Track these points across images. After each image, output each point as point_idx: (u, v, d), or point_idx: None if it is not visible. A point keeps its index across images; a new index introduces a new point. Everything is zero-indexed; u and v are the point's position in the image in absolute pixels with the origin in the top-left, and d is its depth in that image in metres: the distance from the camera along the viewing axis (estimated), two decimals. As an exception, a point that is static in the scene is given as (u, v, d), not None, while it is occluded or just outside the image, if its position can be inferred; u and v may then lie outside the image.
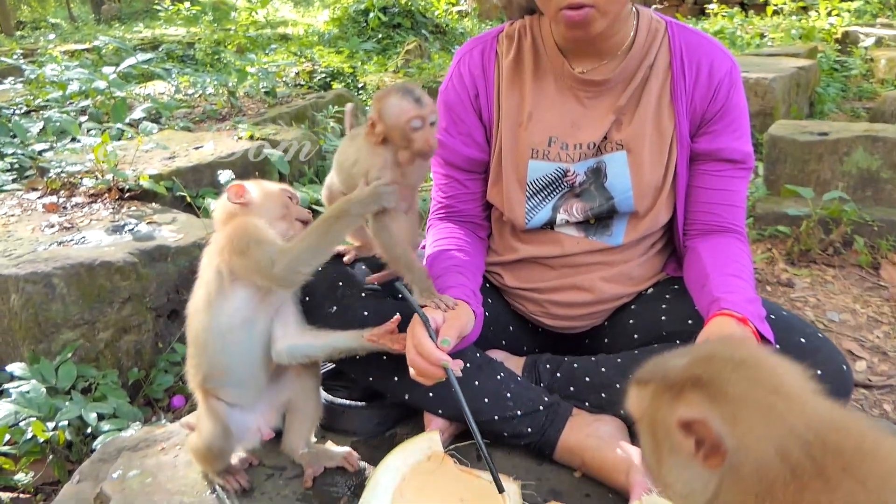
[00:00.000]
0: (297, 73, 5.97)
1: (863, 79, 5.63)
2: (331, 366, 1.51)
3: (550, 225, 1.42)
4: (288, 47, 7.92)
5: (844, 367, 1.22)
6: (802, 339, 1.22)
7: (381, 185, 1.19)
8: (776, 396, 0.67)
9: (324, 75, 5.93)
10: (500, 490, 1.03)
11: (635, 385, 0.77)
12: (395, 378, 1.31)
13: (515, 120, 1.39)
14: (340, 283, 1.35)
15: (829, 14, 7.56)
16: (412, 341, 1.16)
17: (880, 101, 4.69)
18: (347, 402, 1.43)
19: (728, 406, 0.67)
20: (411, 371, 1.19)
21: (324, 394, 1.43)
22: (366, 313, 1.31)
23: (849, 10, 7.89)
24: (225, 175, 2.74)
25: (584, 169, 1.38)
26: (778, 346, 1.19)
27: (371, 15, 8.44)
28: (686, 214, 1.43)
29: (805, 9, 8.16)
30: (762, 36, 7.11)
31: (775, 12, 8.11)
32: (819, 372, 1.14)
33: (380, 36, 8.28)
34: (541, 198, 1.40)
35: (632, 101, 1.36)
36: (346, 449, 1.34)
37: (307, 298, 1.32)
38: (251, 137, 3.31)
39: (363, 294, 1.34)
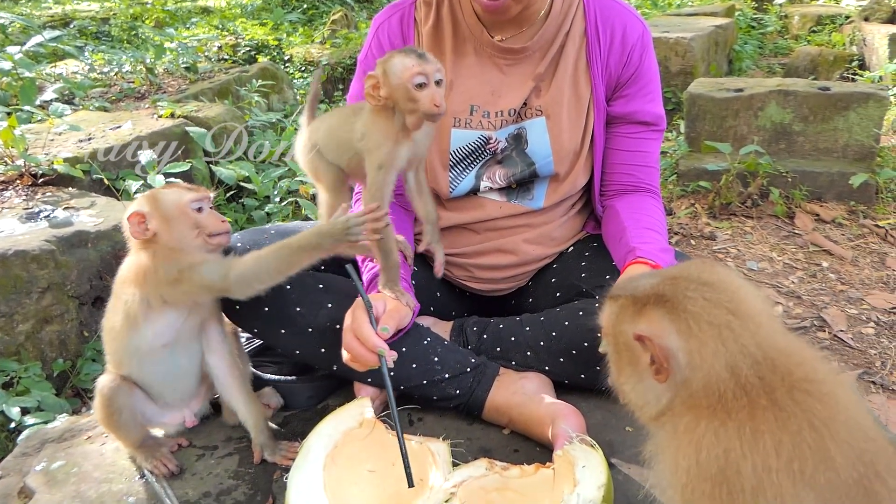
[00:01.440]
0: (220, 48, 5.77)
1: (778, 35, 5.82)
2: (257, 342, 1.50)
3: (474, 192, 1.44)
4: (210, 20, 7.63)
5: None
6: None
7: (353, 219, 1.15)
8: (732, 316, 0.70)
9: (248, 49, 5.75)
10: (410, 485, 1.03)
11: (607, 300, 0.81)
12: (322, 350, 1.31)
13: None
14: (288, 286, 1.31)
15: (746, -28, 7.76)
16: (352, 325, 1.17)
17: (794, 57, 4.87)
18: (277, 377, 1.42)
19: (685, 322, 0.70)
20: (345, 355, 1.19)
21: (253, 370, 1.42)
22: (288, 287, 1.30)
23: (764, -32, 8.12)
24: (145, 155, 2.65)
25: (505, 136, 1.40)
26: None
27: (295, -16, 8.19)
28: (603, 176, 1.47)
29: (724, -32, 8.33)
30: (683, -4, 7.25)
31: (696, -28, 8.26)
32: None
33: (305, 6, 8.06)
34: (464, 166, 1.41)
35: (550, 67, 1.38)
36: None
37: (265, 309, 1.31)
38: (172, 115, 3.20)
39: (321, 285, 1.33)
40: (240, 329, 1.39)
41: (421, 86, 1.10)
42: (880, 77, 4.25)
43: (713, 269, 0.75)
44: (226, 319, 1.34)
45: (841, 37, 5.15)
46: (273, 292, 1.28)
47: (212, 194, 1.30)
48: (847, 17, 5.52)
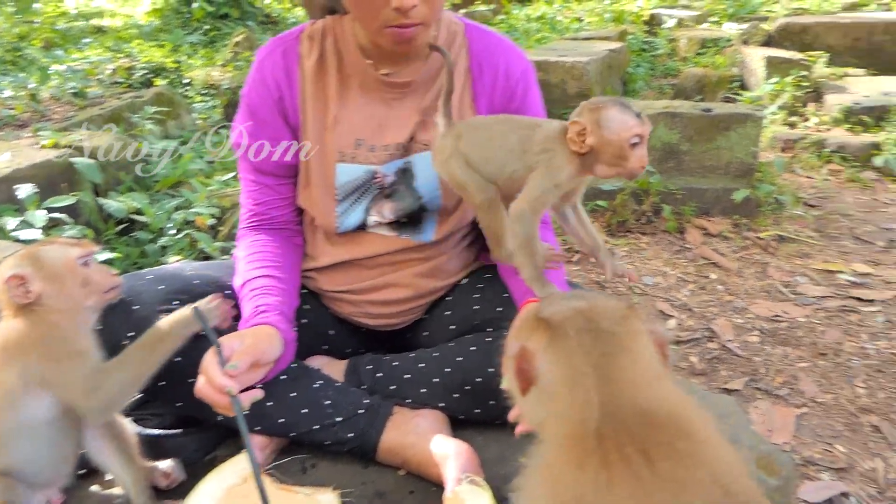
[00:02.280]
0: (114, 70, 5.53)
1: (668, 57, 6.13)
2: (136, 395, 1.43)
3: (362, 227, 1.43)
4: (103, 41, 7.31)
5: None
6: None
7: (204, 307, 1.13)
8: (592, 369, 0.70)
9: (144, 71, 5.54)
10: None
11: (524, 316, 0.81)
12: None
13: (321, 123, 1.37)
14: (135, 306, 1.26)
15: (637, -3, 8.17)
16: (201, 367, 1.13)
17: (682, 78, 5.14)
18: (159, 431, 1.35)
19: (554, 355, 0.72)
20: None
21: (135, 426, 1.34)
22: None
23: (654, -7, 8.56)
24: (24, 189, 2.49)
25: (392, 170, 1.39)
26: None
27: (195, 5, 7.98)
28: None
29: (617, -8, 8.75)
30: (580, 20, 7.54)
31: (590, -4, 8.64)
32: None
33: (206, 27, 7.86)
34: (351, 201, 1.40)
35: (435, 101, 1.38)
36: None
37: (99, 327, 1.23)
38: (55, 145, 3.03)
39: (162, 314, 1.26)
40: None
41: (635, 145, 1.08)
42: (759, 97, 4.54)
43: (623, 318, 0.74)
44: None
45: (724, 59, 5.49)
46: None
47: (96, 247, 1.23)
48: (728, 41, 5.89)
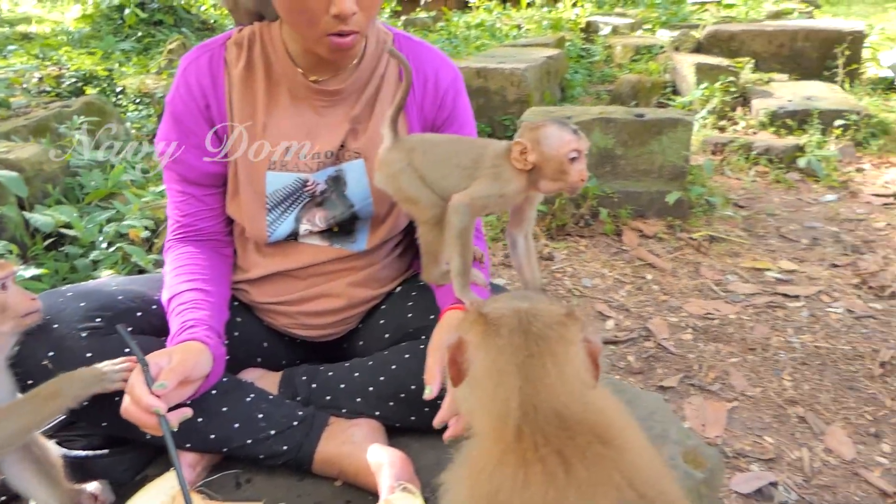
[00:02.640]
0: (41, 79, 5.32)
1: (604, 64, 6.28)
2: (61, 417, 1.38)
3: (294, 236, 1.41)
4: (29, 49, 7.03)
5: None
6: None
7: (109, 369, 1.11)
8: (515, 369, 0.72)
9: (74, 80, 5.35)
10: None
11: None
12: (132, 420, 1.23)
13: (250, 130, 1.35)
14: (55, 325, 1.21)
15: (574, 5, 8.34)
16: (127, 387, 1.10)
17: (618, 84, 5.27)
18: (86, 452, 1.31)
19: (485, 350, 0.74)
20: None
21: (60, 448, 1.29)
22: (89, 355, 1.20)
23: (590, 2, 8.77)
24: (-59, 205, 2.38)
25: (323, 178, 1.38)
26: None
27: (127, 11, 7.75)
28: None
29: (555, 1, 8.92)
30: (519, 27, 7.65)
31: (529, 4, 8.77)
32: None
33: (139, 34, 7.64)
34: (282, 209, 1.38)
35: (366, 110, 1.38)
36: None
37: (17, 347, 1.18)
38: (-23, 158, 2.90)
39: (84, 333, 1.22)
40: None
41: (573, 160, 1.11)
42: (690, 102, 4.70)
43: (558, 323, 0.76)
44: None
45: (657, 65, 5.65)
46: (71, 359, 1.18)
47: (15, 268, 1.17)
48: (661, 48, 6.07)
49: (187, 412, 1.12)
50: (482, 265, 1.35)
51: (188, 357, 1.16)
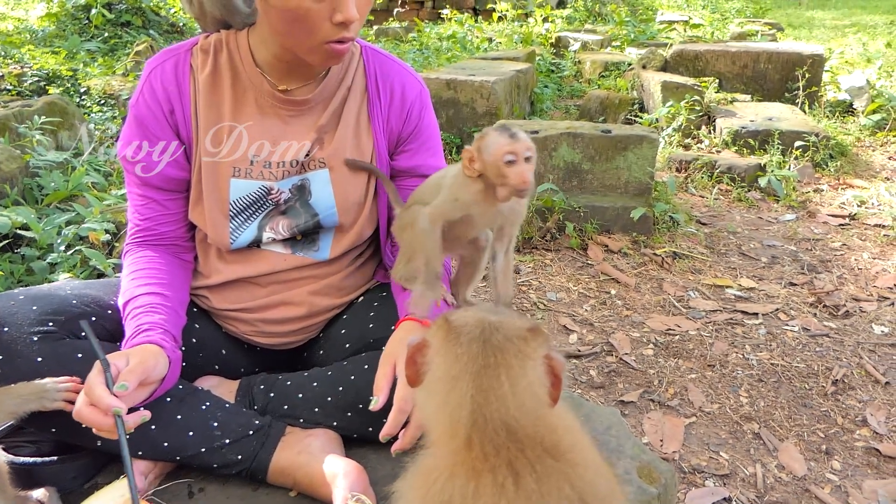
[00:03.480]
0: (2, 77, 5.20)
1: (573, 79, 6.37)
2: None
3: (256, 244, 1.40)
4: (-10, 46, 6.86)
5: None
6: None
7: (51, 387, 1.09)
8: (470, 377, 0.72)
9: (36, 79, 5.25)
10: None
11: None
12: (83, 425, 1.19)
13: (215, 136, 1.34)
14: (5, 328, 1.18)
15: (544, 21, 8.45)
16: (84, 387, 1.07)
17: (586, 99, 5.35)
18: (34, 459, 1.27)
19: (443, 355, 0.74)
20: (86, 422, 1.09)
21: (6, 454, 1.25)
22: (40, 360, 1.17)
23: (561, 17, 8.89)
24: None
25: (288, 186, 1.38)
26: None
27: (94, 11, 7.62)
28: (390, 227, 1.49)
29: (526, 15, 9.02)
30: (490, 40, 7.72)
31: (500, 18, 8.86)
32: None
33: (105, 35, 7.52)
34: (245, 217, 1.37)
35: (332, 120, 1.38)
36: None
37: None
38: (-70, 156, 2.82)
39: (35, 337, 1.19)
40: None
41: (510, 163, 1.10)
42: (656, 119, 4.78)
43: (518, 337, 0.75)
44: None
45: (624, 82, 5.75)
46: (21, 364, 1.15)
47: None
48: (629, 65, 6.18)
49: (146, 414, 1.10)
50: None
51: (146, 359, 1.14)
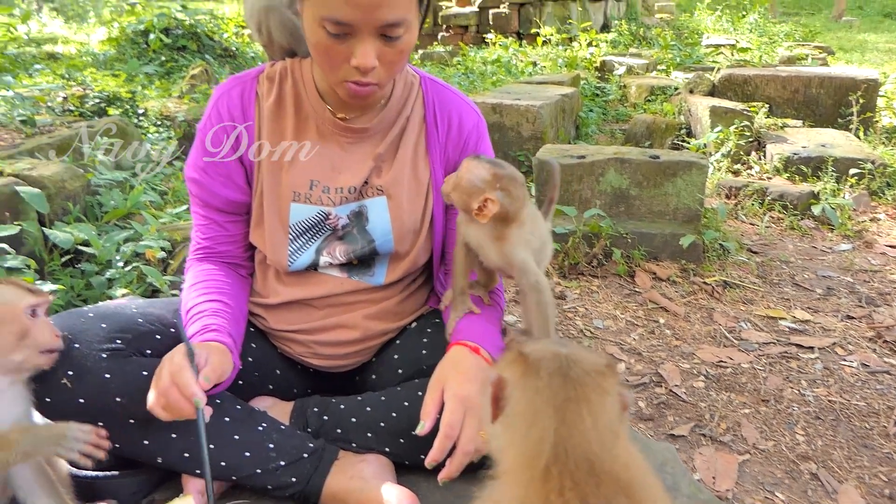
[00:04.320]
0: (66, 98, 5.42)
1: (619, 103, 6.34)
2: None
3: (314, 267, 1.43)
4: (56, 69, 7.17)
5: None
6: None
7: (72, 434, 1.12)
8: (553, 412, 0.72)
9: (98, 100, 5.45)
10: None
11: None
12: (145, 442, 1.23)
13: (277, 163, 1.38)
14: (76, 344, 1.22)
15: (589, 45, 8.45)
16: (171, 368, 1.11)
17: (632, 123, 5.31)
18: (96, 473, 1.30)
19: (523, 389, 0.75)
20: (151, 399, 1.12)
21: (69, 467, 1.29)
22: (107, 376, 1.21)
23: (605, 41, 8.88)
24: (-37, 219, 2.41)
25: (346, 212, 1.41)
26: None
27: (152, 36, 7.91)
28: (444, 256, 1.51)
29: (570, 39, 9.04)
30: (535, 64, 7.75)
31: (545, 42, 8.89)
32: None
33: (163, 59, 7.79)
34: (304, 240, 1.40)
35: (390, 149, 1.41)
36: None
37: (80, 401, 1.20)
38: (0, 173, 2.94)
39: (104, 354, 1.23)
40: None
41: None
42: (704, 144, 4.72)
43: (597, 372, 0.76)
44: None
45: (671, 106, 5.70)
46: (90, 380, 1.19)
47: (50, 298, 1.15)
48: (676, 89, 6.12)
49: (211, 410, 1.14)
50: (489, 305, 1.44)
51: (222, 359, 1.18)
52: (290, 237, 1.39)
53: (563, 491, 0.67)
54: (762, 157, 4.66)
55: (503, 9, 10.02)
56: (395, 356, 1.47)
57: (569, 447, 0.70)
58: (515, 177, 1.24)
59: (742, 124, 4.70)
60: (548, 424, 0.72)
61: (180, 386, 1.10)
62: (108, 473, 1.31)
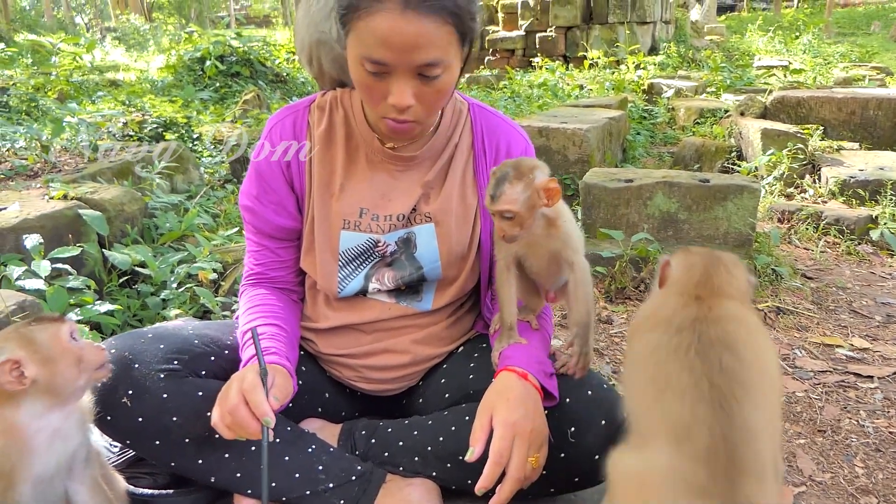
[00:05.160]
0: (125, 124, 5.65)
1: (667, 126, 6.28)
2: (130, 452, 1.42)
3: (363, 293, 1.45)
4: (116, 95, 7.50)
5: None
6: (590, 392, 1.33)
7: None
8: (701, 266, 1.05)
9: (155, 125, 5.67)
10: None
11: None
12: (199, 461, 1.26)
13: (327, 191, 1.41)
14: (136, 364, 1.27)
15: (636, 67, 8.41)
16: (242, 386, 1.15)
17: (681, 146, 5.25)
18: (151, 491, 1.34)
19: (681, 259, 1.09)
20: (216, 416, 1.15)
21: (126, 485, 1.33)
22: (165, 396, 1.25)
23: (653, 64, 8.82)
24: (32, 240, 2.53)
25: (394, 239, 1.43)
26: (567, 399, 1.30)
27: (208, 63, 8.21)
28: (491, 279, 1.52)
29: (618, 62, 9.01)
30: (581, 87, 7.75)
31: (591, 65, 8.88)
32: (603, 421, 1.25)
33: (217, 85, 8.07)
34: (353, 267, 1.43)
35: (439, 176, 1.43)
36: None
37: (98, 384, 1.24)
38: (65, 197, 3.08)
39: (162, 374, 1.27)
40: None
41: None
42: (756, 167, 4.63)
43: (734, 262, 1.07)
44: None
45: (721, 129, 5.61)
46: (148, 400, 1.23)
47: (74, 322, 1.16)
48: (726, 111, 6.04)
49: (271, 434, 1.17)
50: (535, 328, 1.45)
51: (286, 384, 1.23)
52: (340, 264, 1.42)
53: (692, 301, 1.00)
54: (817, 181, 4.54)
55: (550, 32, 10.06)
56: (443, 380, 1.48)
57: (709, 284, 1.01)
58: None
59: (795, 147, 4.60)
60: (699, 268, 1.03)
61: (252, 404, 1.13)
62: (163, 492, 1.35)
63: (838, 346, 2.73)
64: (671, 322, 0.98)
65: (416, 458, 1.35)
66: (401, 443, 1.37)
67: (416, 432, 1.37)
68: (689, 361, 0.93)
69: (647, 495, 0.92)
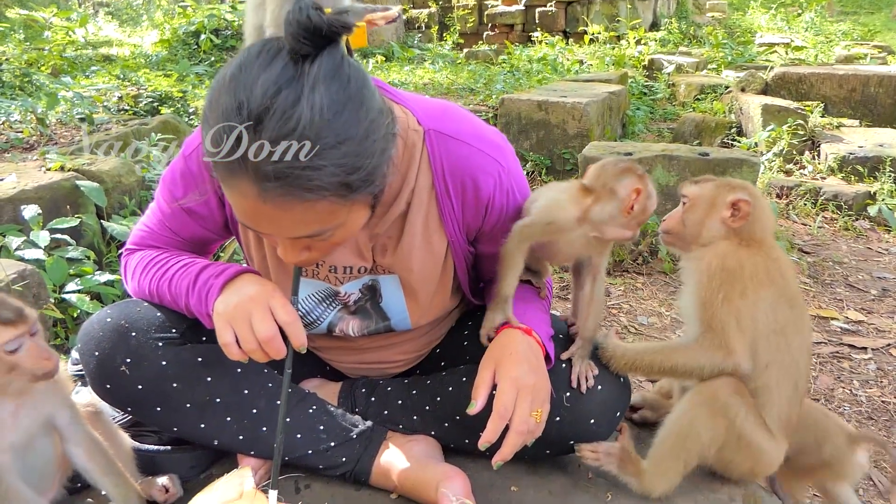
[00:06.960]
0: (121, 98, 5.61)
1: (667, 102, 6.25)
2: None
3: (330, 333, 1.39)
4: (111, 70, 7.43)
5: (622, 378, 1.35)
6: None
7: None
8: (764, 209, 1.34)
9: (150, 100, 5.63)
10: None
11: (695, 182, 1.42)
12: (202, 425, 1.27)
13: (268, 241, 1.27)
14: (133, 333, 1.25)
15: (637, 43, 8.34)
16: (285, 317, 1.08)
17: (680, 122, 5.24)
18: (156, 447, 1.36)
19: (756, 201, 1.33)
20: (244, 341, 1.07)
21: (131, 441, 1.34)
22: (164, 363, 1.25)
23: (654, 40, 8.76)
24: (29, 210, 2.52)
25: (357, 287, 1.32)
26: (563, 365, 1.31)
27: (202, 37, 8.13)
28: (482, 277, 1.47)
29: (618, 38, 8.94)
30: (581, 62, 7.69)
31: (592, 40, 8.80)
32: (599, 387, 1.26)
33: (212, 59, 7.99)
34: (315, 315, 1.36)
35: (395, 226, 1.25)
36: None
37: (96, 353, 1.23)
38: (62, 168, 3.07)
39: (160, 342, 1.26)
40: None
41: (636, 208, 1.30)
42: (755, 143, 4.62)
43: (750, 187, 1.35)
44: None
45: (721, 105, 5.59)
46: (147, 368, 1.23)
47: (31, 324, 1.08)
48: (726, 87, 6.01)
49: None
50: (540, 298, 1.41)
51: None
52: (302, 313, 1.33)
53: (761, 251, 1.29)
54: (816, 157, 4.54)
55: (549, 7, 9.96)
56: (438, 350, 1.49)
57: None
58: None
59: (795, 123, 4.59)
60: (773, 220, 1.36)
61: (293, 336, 1.08)
62: (167, 447, 1.37)
63: (833, 319, 2.75)
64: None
65: (415, 417, 1.36)
66: (399, 401, 1.38)
67: (414, 391, 1.38)
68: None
69: None
